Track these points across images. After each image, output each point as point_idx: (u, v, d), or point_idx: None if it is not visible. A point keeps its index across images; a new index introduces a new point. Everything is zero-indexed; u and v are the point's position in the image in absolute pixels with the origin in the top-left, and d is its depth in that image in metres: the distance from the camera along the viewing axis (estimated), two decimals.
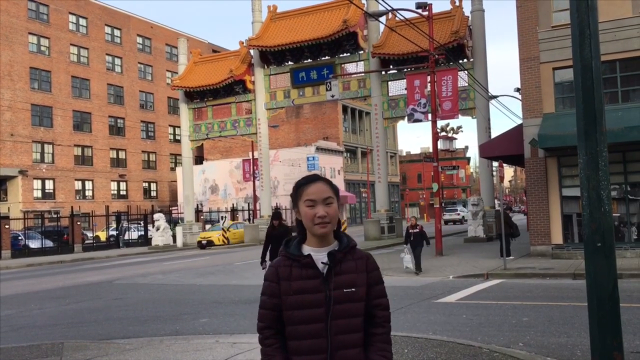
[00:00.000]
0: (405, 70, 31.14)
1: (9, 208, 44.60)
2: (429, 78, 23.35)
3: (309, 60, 34.95)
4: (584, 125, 3.92)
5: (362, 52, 33.56)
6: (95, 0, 56.50)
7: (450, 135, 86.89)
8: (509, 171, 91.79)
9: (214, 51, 62.07)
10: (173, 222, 41.25)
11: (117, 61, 58.52)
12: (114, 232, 41.25)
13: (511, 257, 17.97)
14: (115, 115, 57.75)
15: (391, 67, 32.34)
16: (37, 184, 50.18)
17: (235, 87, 37.26)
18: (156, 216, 38.32)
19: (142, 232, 41.17)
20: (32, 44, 50.44)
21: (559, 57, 18.07)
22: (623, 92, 17.76)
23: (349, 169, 65.00)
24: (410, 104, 28.29)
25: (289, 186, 61.93)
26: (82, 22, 55.19)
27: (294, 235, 2.67)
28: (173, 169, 62.91)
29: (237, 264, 22.53)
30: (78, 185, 53.71)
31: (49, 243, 35.26)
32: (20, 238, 34.80)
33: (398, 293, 12.33)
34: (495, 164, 21.41)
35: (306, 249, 2.55)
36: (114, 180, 57.06)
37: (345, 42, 33.32)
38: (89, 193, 54.64)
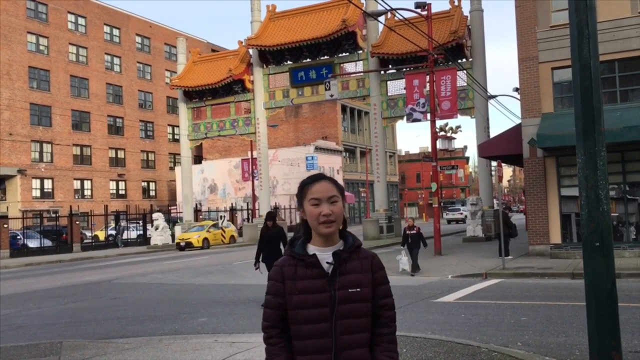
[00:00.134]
0: (404, 69, 31.14)
1: (7, 207, 44.60)
2: (427, 78, 23.35)
3: (308, 59, 34.94)
4: (582, 125, 3.92)
5: (361, 51, 33.54)
6: None
7: (449, 134, 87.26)
8: (507, 171, 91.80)
9: (213, 51, 62.04)
10: (172, 222, 41.24)
11: (116, 60, 58.47)
12: (113, 232, 41.23)
13: (510, 257, 17.98)
14: (114, 115, 57.69)
15: (390, 66, 32.34)
16: (35, 183, 50.12)
17: (234, 87, 37.24)
18: (155, 216, 38.26)
19: (141, 232, 41.10)
20: (30, 43, 50.37)
21: (558, 56, 18.09)
22: (622, 92, 17.79)
23: (347, 169, 64.97)
24: (409, 104, 28.32)
25: (288, 186, 61.77)
26: (81, 21, 55.13)
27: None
28: (172, 169, 62.82)
29: (235, 264, 22.53)
30: (77, 184, 53.66)
31: (47, 242, 35.21)
32: (19, 237, 34.76)
33: (397, 292, 12.19)
34: (494, 163, 21.39)
35: (311, 249, 2.54)
36: (112, 180, 57.01)
37: (344, 41, 33.30)
38: (87, 192, 54.59)
